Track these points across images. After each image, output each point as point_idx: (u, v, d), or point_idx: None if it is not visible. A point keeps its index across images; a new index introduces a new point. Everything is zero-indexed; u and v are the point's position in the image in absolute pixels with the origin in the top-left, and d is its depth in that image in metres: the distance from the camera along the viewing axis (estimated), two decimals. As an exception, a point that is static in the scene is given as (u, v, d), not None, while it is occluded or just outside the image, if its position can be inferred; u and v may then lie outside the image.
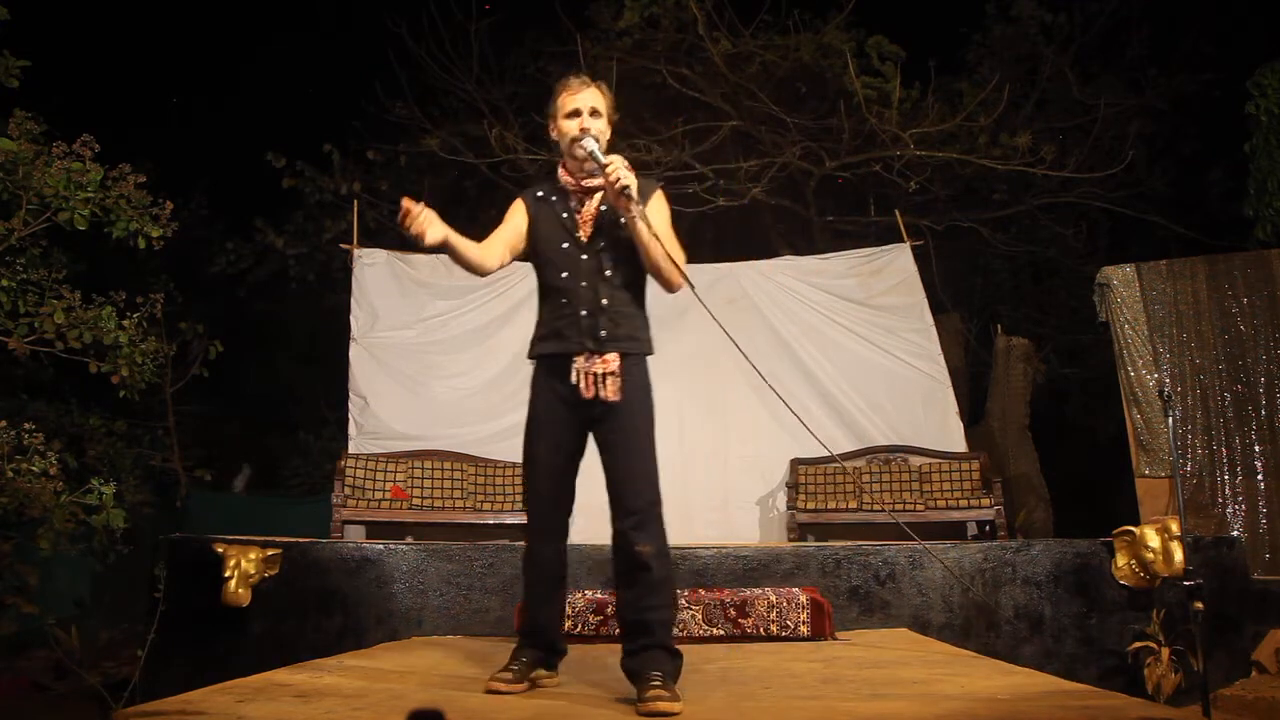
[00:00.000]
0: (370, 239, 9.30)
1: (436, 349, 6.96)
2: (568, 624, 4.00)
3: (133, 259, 6.81)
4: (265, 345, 11.39)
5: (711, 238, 10.36)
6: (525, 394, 7.83)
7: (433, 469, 6.37)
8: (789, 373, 7.04)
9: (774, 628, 4.04)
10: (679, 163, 8.81)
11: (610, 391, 2.66)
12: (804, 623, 4.05)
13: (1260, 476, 6.07)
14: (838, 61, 8.73)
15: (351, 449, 6.44)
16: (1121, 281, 6.54)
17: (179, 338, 8.83)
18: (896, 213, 7.85)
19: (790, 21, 8.88)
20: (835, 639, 4.08)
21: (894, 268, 7.33)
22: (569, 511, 2.86)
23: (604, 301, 2.71)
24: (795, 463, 6.67)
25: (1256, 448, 6.12)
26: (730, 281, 7.33)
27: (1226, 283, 6.38)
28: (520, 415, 7.81)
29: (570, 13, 9.17)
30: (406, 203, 2.53)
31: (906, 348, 7.02)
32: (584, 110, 2.76)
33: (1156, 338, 6.40)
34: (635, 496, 2.67)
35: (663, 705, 2.38)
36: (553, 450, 2.78)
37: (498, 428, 6.79)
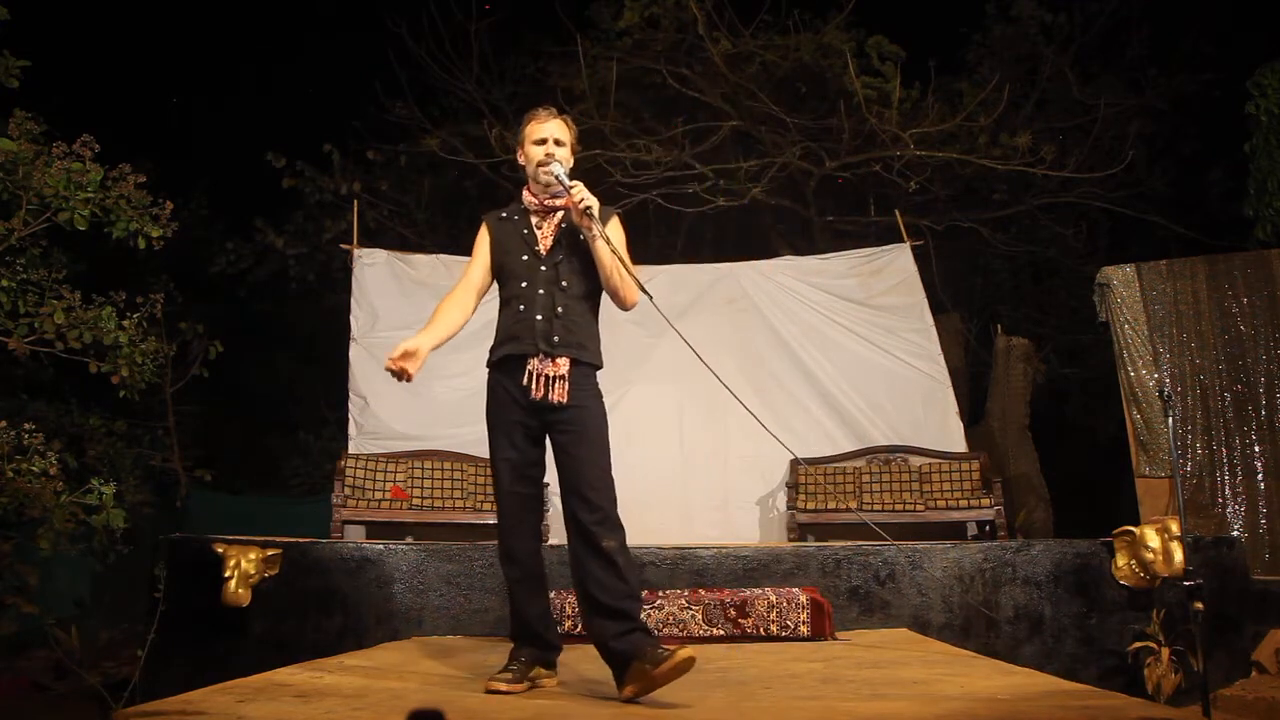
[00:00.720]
0: (370, 239, 9.30)
1: (436, 349, 6.96)
2: (567, 624, 4.00)
3: (133, 259, 6.81)
4: (265, 345, 11.38)
5: (711, 238, 10.37)
6: (525, 394, 7.67)
7: (433, 469, 6.37)
8: (789, 373, 7.05)
9: (774, 628, 4.04)
10: (679, 163, 8.81)
11: (558, 394, 2.83)
12: (804, 623, 4.05)
13: (1260, 476, 6.07)
14: (838, 61, 8.73)
15: (351, 449, 6.44)
16: (1121, 281, 6.53)
17: (179, 338, 8.82)
18: (896, 213, 7.85)
19: (790, 21, 8.89)
20: (835, 639, 4.08)
21: (894, 268, 7.33)
22: (539, 513, 3.02)
23: (559, 309, 2.89)
24: (795, 463, 6.67)
25: (1256, 448, 6.11)
26: (730, 281, 7.33)
27: (1226, 283, 6.38)
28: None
29: (570, 13, 9.18)
30: (392, 365, 2.86)
31: (906, 348, 7.02)
32: (549, 139, 2.98)
33: (1156, 338, 6.40)
34: (597, 495, 2.77)
35: (683, 653, 2.52)
36: (512, 449, 2.93)
37: (498, 428, 6.79)
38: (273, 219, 10.58)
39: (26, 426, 4.52)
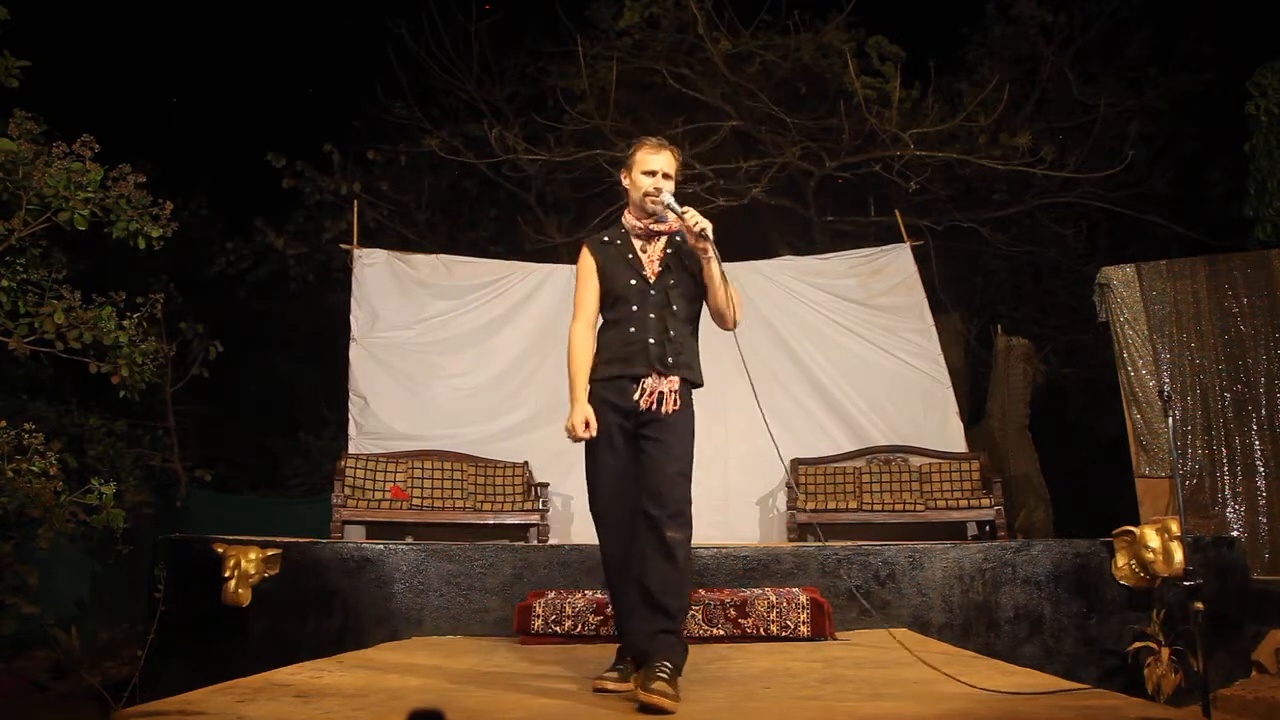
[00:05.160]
0: (370, 239, 9.31)
1: (436, 349, 6.97)
2: (567, 624, 4.01)
3: (133, 259, 6.81)
4: (265, 345, 11.39)
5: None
6: (524, 394, 7.76)
7: (433, 469, 6.37)
8: (789, 373, 7.04)
9: (774, 628, 4.04)
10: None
11: (669, 405, 2.92)
12: (804, 623, 4.04)
13: (1260, 476, 6.06)
14: (838, 61, 8.73)
15: (351, 449, 6.44)
16: (1121, 281, 6.53)
17: (179, 338, 8.83)
18: (896, 213, 7.85)
19: (790, 21, 8.89)
20: (835, 639, 4.08)
21: (894, 268, 7.33)
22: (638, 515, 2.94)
23: (671, 333, 2.99)
24: (795, 463, 6.68)
25: (1256, 448, 6.11)
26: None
27: (1226, 283, 6.38)
28: (520, 415, 7.75)
29: (570, 13, 9.18)
30: (580, 435, 2.91)
31: (906, 348, 7.02)
32: (659, 171, 3.07)
33: (1156, 338, 6.40)
34: (674, 490, 2.83)
35: (664, 701, 2.46)
36: (611, 453, 2.95)
37: (498, 428, 6.79)
38: (273, 219, 10.59)
39: (26, 426, 4.52)
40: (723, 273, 2.98)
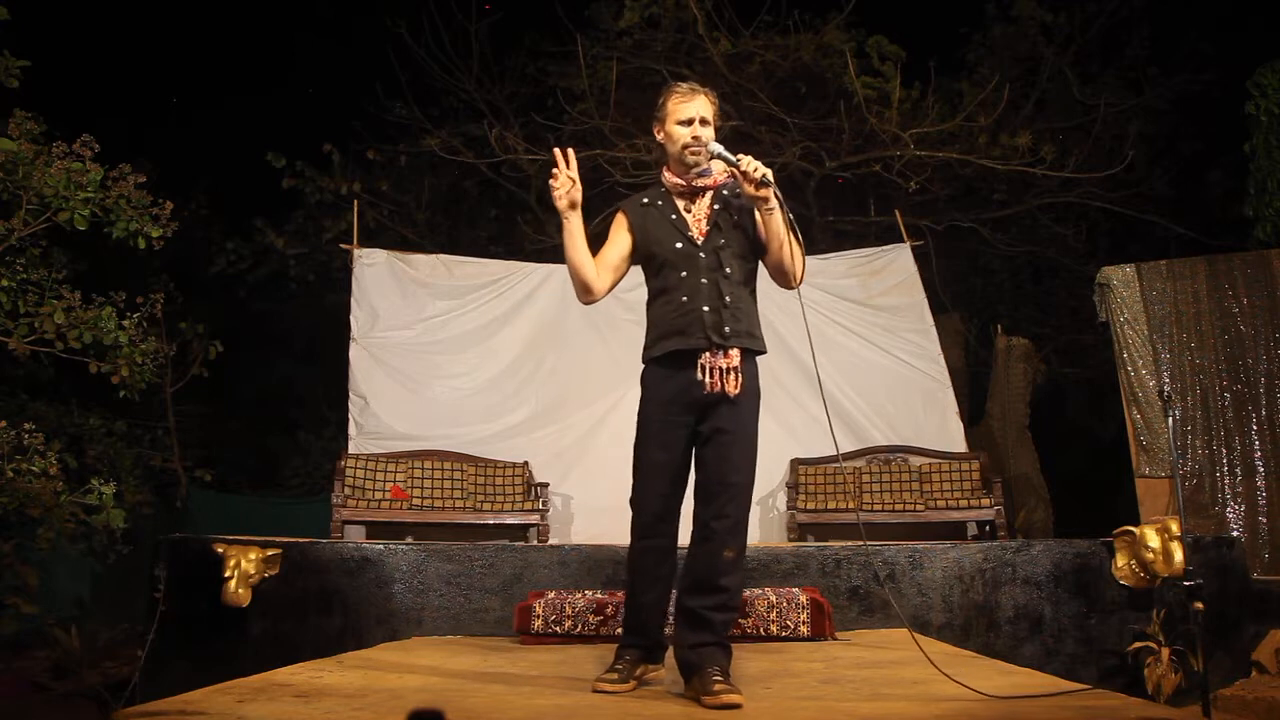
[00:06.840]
0: (370, 239, 9.31)
1: (436, 349, 6.97)
2: (567, 624, 4.01)
3: (133, 259, 6.81)
4: (265, 345, 11.40)
5: (711, 238, 10.36)
6: (524, 394, 7.74)
7: (433, 469, 6.37)
8: (789, 373, 7.04)
9: (774, 628, 4.04)
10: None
11: (732, 386, 2.68)
12: (804, 623, 4.04)
13: (1260, 476, 6.07)
14: (838, 61, 8.73)
15: (351, 449, 6.44)
16: (1121, 281, 6.54)
17: (179, 338, 8.83)
18: (896, 213, 7.85)
19: (790, 21, 8.89)
20: (835, 639, 4.08)
21: (894, 268, 7.33)
22: (678, 514, 2.81)
23: (726, 298, 2.73)
24: (795, 463, 6.68)
25: (1256, 448, 6.11)
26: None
27: (1226, 283, 6.38)
28: (520, 415, 7.72)
29: (570, 13, 9.19)
30: (559, 174, 2.66)
31: (906, 348, 7.02)
32: (695, 118, 2.80)
33: (1156, 338, 6.40)
34: (733, 502, 2.67)
35: (730, 697, 2.44)
36: (663, 451, 2.75)
37: (498, 428, 6.79)
38: (273, 219, 10.60)
39: (26, 426, 4.52)
40: (791, 222, 2.66)
